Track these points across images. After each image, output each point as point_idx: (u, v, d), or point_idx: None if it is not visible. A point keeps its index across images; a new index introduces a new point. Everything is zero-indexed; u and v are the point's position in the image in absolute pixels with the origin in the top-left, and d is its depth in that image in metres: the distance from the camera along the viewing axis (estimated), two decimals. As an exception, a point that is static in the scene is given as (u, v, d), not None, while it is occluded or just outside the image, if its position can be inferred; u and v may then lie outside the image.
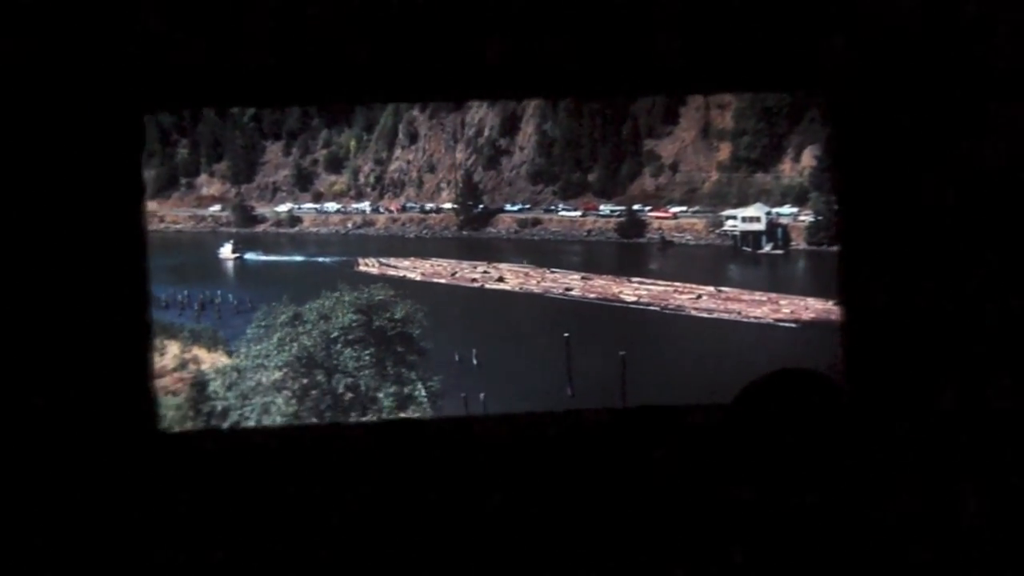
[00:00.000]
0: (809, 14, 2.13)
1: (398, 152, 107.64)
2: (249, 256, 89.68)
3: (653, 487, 2.20)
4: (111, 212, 2.17)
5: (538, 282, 77.08)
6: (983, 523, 2.12)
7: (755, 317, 62.15)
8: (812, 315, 60.55)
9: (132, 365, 2.26)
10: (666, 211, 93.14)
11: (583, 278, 76.35)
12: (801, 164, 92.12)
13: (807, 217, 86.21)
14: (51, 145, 2.07)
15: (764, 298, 65.90)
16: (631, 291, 70.92)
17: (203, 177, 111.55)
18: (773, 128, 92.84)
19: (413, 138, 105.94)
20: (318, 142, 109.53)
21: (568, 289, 73.95)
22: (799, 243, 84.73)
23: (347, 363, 31.76)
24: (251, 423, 29.65)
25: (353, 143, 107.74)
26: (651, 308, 66.36)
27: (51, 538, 2.09)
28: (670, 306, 66.05)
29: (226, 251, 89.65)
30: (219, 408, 31.20)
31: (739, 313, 63.31)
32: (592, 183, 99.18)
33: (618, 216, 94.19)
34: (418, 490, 2.17)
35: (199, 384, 33.83)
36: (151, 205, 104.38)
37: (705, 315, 63.58)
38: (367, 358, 32.06)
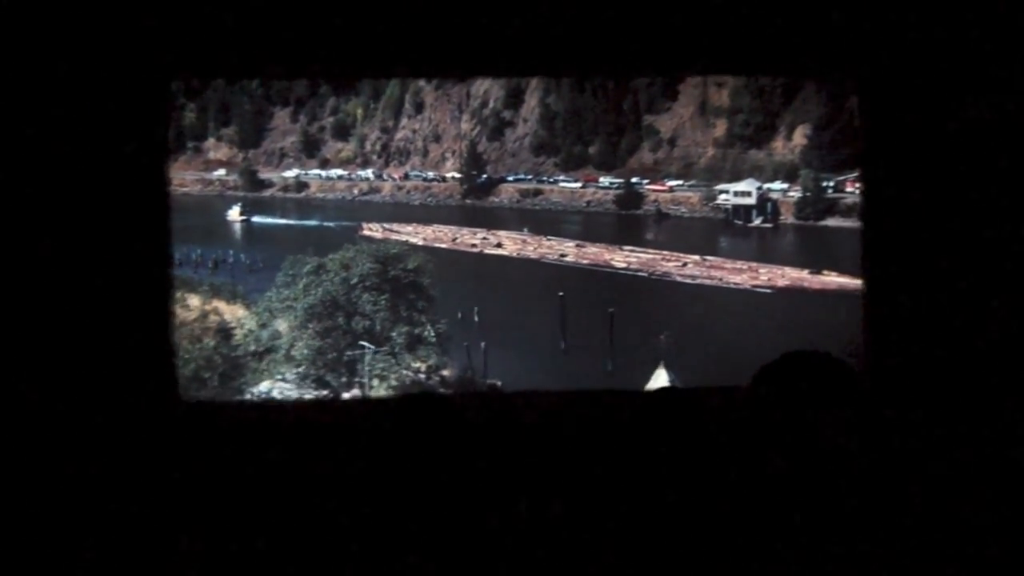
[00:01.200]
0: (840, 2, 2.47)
1: (404, 121, 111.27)
2: (256, 219, 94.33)
3: (670, 472, 2.34)
4: (135, 178, 2.43)
5: (535, 248, 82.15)
6: (991, 514, 2.35)
7: (735, 283, 68.13)
8: (787, 282, 67.35)
9: (153, 336, 2.50)
10: (663, 184, 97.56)
11: (577, 245, 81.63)
12: (793, 142, 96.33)
13: (796, 193, 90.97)
14: (77, 111, 2.31)
15: (744, 266, 71.65)
16: (621, 258, 76.37)
17: (210, 141, 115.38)
18: (767, 107, 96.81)
19: (419, 108, 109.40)
20: (325, 109, 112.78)
21: (563, 255, 79.07)
22: (788, 217, 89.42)
23: (365, 306, 37.29)
24: (280, 357, 34.89)
25: (360, 111, 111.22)
26: (640, 274, 71.89)
27: (72, 507, 2.33)
28: (657, 272, 71.61)
29: (234, 214, 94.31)
30: (252, 348, 35.28)
31: (720, 280, 69.18)
32: (593, 156, 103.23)
33: (616, 188, 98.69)
34: (433, 468, 2.32)
35: (223, 330, 37.97)
36: None
37: (689, 281, 69.29)
38: (383, 302, 37.65)
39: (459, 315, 50.50)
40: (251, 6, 2.39)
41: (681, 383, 28.63)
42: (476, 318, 55.97)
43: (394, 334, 36.32)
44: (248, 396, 31.32)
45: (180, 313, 32.63)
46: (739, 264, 72.74)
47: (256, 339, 35.51)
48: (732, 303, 61.67)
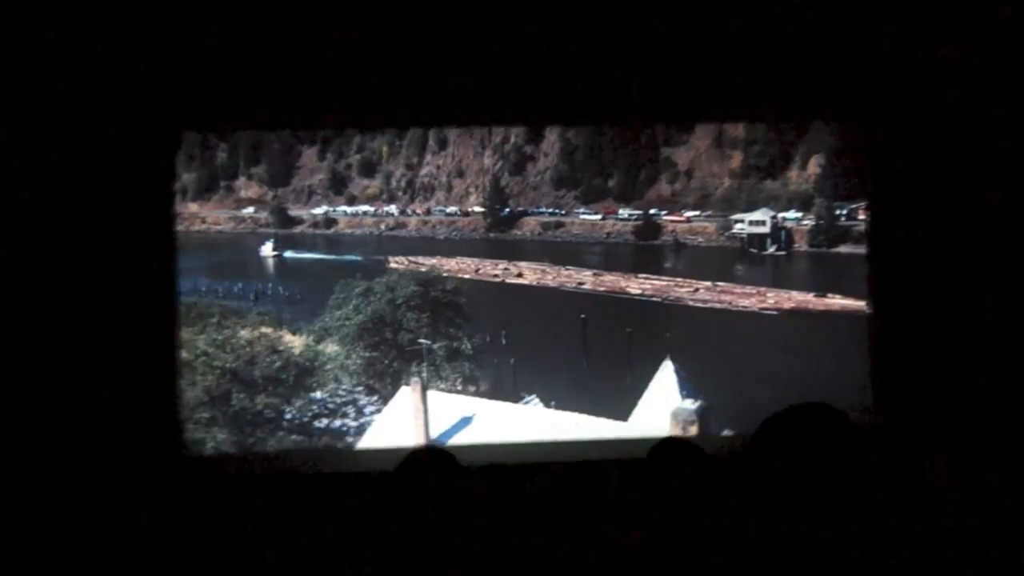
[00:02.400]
0: (837, 47, 3.13)
1: (428, 157, 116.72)
2: (288, 254, 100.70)
3: (676, 519, 2.72)
4: (143, 239, 3.09)
5: (554, 278, 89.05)
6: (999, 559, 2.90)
7: (743, 306, 75.11)
8: (792, 304, 74.54)
9: (161, 392, 3.11)
10: (680, 215, 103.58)
11: (594, 274, 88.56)
12: (807, 172, 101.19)
13: (809, 221, 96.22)
14: (88, 159, 2.90)
15: (753, 291, 78.55)
16: (636, 285, 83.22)
17: (241, 180, 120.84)
18: (782, 137, 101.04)
19: (443, 144, 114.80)
20: (352, 147, 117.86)
21: (581, 284, 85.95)
22: (801, 245, 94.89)
23: (409, 323, 44.22)
24: (337, 367, 41.17)
25: (385, 148, 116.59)
26: (654, 299, 78.45)
27: (69, 552, 2.85)
28: (670, 298, 78.38)
29: (267, 249, 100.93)
30: (305, 361, 40.13)
31: (730, 303, 76.16)
32: (612, 188, 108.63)
33: (635, 220, 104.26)
34: (432, 529, 2.75)
35: (278, 350, 42.95)
36: (192, 207, 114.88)
37: (700, 305, 75.90)
38: (424, 319, 44.63)
39: (487, 338, 54.43)
40: (254, 63, 3.21)
41: (686, 373, 33.62)
42: (504, 341, 61.19)
43: (436, 347, 42.76)
44: (313, 399, 37.25)
45: (234, 338, 38.39)
46: (748, 289, 79.33)
47: (314, 353, 41.62)
48: (739, 324, 68.69)
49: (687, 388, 30.99)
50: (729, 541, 2.51)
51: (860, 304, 59.16)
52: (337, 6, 3.42)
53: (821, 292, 75.57)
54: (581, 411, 31.15)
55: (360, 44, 3.35)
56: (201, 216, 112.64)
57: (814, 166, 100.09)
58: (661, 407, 29.25)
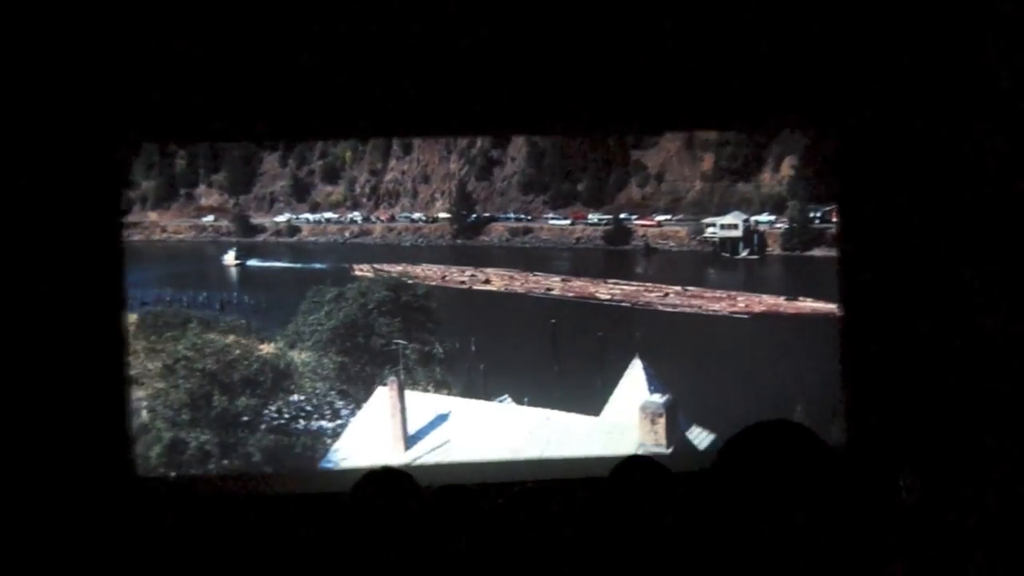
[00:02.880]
0: (808, 52, 3.28)
1: (393, 163, 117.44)
2: (251, 263, 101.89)
3: (639, 539, 2.80)
4: (89, 260, 3.15)
5: (522, 284, 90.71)
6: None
7: (713, 311, 76.96)
8: (763, 308, 76.27)
9: (109, 411, 3.14)
10: (651, 219, 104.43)
11: (563, 280, 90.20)
12: (780, 174, 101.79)
13: (782, 225, 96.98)
14: (32, 178, 2.96)
15: (724, 295, 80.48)
16: (606, 291, 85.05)
17: (202, 188, 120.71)
18: (754, 139, 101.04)
19: (407, 149, 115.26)
20: (314, 153, 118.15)
21: (549, 289, 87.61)
22: (774, 249, 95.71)
23: (381, 328, 45.34)
24: (308, 373, 42.60)
25: (348, 154, 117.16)
26: (623, 304, 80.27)
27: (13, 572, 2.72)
28: (639, 303, 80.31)
29: (229, 258, 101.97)
30: (282, 365, 41.41)
31: (700, 307, 77.87)
32: (581, 193, 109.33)
33: (605, 225, 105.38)
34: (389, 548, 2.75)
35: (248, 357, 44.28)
36: (152, 216, 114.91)
37: (670, 310, 77.83)
38: (396, 324, 45.70)
39: (456, 344, 55.20)
40: (213, 74, 3.26)
41: (654, 371, 34.69)
42: (473, 347, 61.48)
43: (408, 351, 43.89)
44: (290, 401, 38.79)
45: (212, 343, 39.90)
46: (718, 293, 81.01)
47: (288, 357, 43.04)
48: (709, 327, 70.39)
49: (655, 384, 32.51)
50: (692, 561, 2.59)
51: (831, 307, 61.04)
52: (297, 19, 3.71)
53: (792, 296, 76.87)
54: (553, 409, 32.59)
55: (320, 55, 3.62)
56: (161, 225, 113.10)
57: (787, 168, 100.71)
58: (631, 401, 30.82)
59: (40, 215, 3.79)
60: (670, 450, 28.85)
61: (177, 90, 3.92)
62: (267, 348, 44.44)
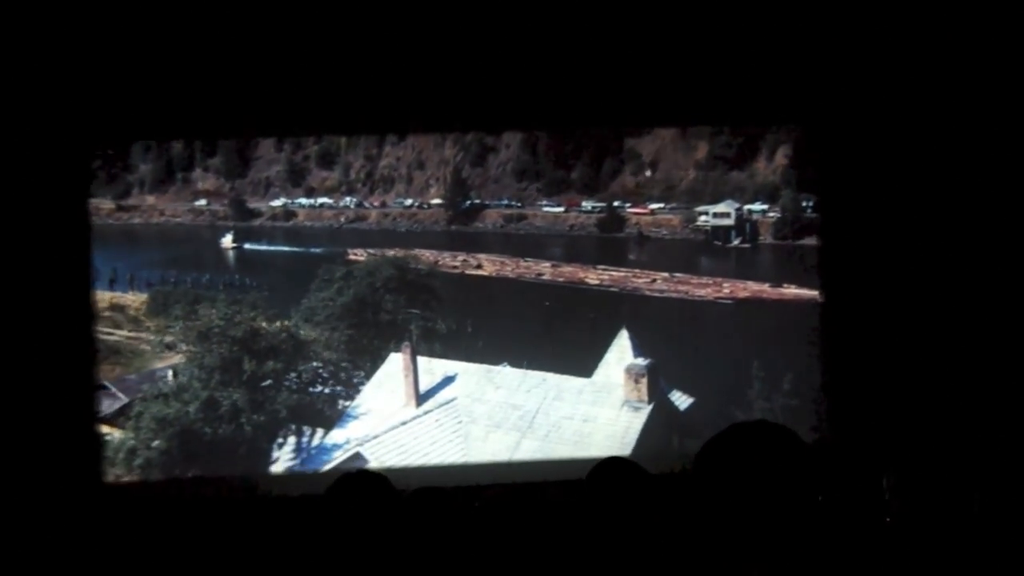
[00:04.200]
0: (791, 50, 6.33)
1: (388, 148, 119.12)
2: (248, 246, 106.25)
3: (620, 544, 3.07)
4: (58, 251, 5.86)
5: (513, 269, 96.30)
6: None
7: (699, 296, 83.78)
8: (747, 294, 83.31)
9: (77, 414, 5.60)
10: (645, 207, 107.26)
11: (553, 265, 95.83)
12: (774, 163, 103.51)
13: (775, 214, 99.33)
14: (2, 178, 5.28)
15: (710, 281, 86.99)
16: (595, 276, 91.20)
17: (197, 171, 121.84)
18: (748, 129, 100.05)
19: (403, 135, 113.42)
20: (309, 138, 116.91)
21: (539, 275, 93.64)
22: (766, 237, 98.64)
23: (387, 304, 51.63)
24: (319, 342, 48.54)
25: (344, 139, 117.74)
26: (612, 289, 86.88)
27: None
28: (628, 288, 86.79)
29: (227, 241, 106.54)
30: (300, 336, 47.72)
31: (686, 293, 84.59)
32: (575, 180, 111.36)
33: (599, 212, 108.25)
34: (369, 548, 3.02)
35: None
36: (149, 199, 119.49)
37: (657, 295, 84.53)
38: (402, 301, 52.11)
39: (453, 326, 58.94)
40: (198, 70, 5.18)
41: (638, 340, 40.51)
42: (469, 329, 63.40)
43: (412, 327, 50.02)
44: (308, 368, 44.96)
45: (240, 313, 46.15)
46: (704, 279, 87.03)
47: (303, 329, 48.97)
48: (693, 311, 78.32)
49: (639, 351, 38.81)
50: (671, 562, 2.92)
51: (813, 293, 67.96)
52: (292, 16, 4.35)
53: (776, 283, 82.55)
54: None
55: (313, 53, 4.37)
56: (159, 208, 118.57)
57: (781, 157, 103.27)
58: (618, 365, 37.25)
59: (14, 206, 4.08)
60: (651, 405, 35.31)
61: (168, 87, 4.27)
62: (284, 322, 50.58)
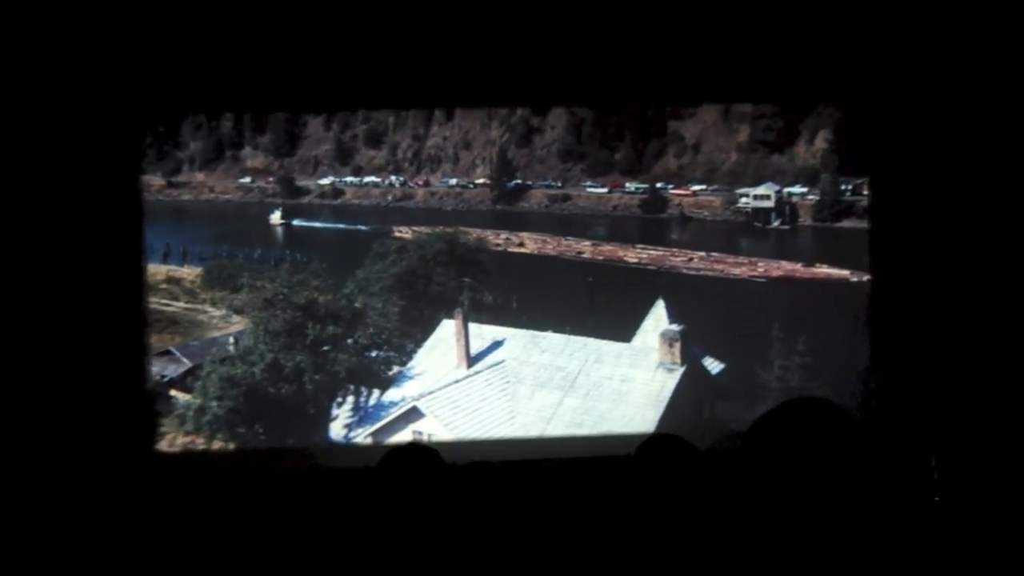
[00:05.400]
0: (833, 30, 3.86)
1: (435, 128, 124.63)
2: (296, 223, 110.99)
3: (666, 518, 2.83)
4: (110, 232, 3.70)
5: (554, 247, 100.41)
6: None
7: (734, 275, 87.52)
8: (780, 273, 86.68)
9: (129, 387, 3.56)
10: (687, 189, 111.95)
11: (592, 244, 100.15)
12: (815, 147, 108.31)
13: (814, 196, 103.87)
14: (54, 156, 3.44)
15: (745, 260, 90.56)
16: (634, 255, 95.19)
17: (247, 150, 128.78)
18: (789, 112, 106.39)
19: (450, 115, 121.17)
20: (358, 117, 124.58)
21: (580, 253, 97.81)
22: (806, 219, 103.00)
23: (438, 277, 55.25)
24: (374, 311, 52.18)
25: (392, 119, 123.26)
26: (649, 267, 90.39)
27: (41, 555, 3.12)
28: (665, 266, 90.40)
29: (275, 218, 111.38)
30: (357, 304, 51.15)
31: (722, 271, 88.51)
32: (619, 162, 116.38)
33: (641, 193, 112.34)
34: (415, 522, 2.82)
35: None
36: (199, 176, 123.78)
37: (694, 273, 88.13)
38: (451, 273, 55.70)
39: (499, 301, 61.43)
40: (247, 43, 3.59)
41: (675, 313, 42.81)
42: (514, 304, 66.83)
43: (461, 297, 53.59)
44: (365, 333, 48.78)
45: (300, 284, 49.89)
46: (740, 259, 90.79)
47: (359, 298, 52.84)
48: (727, 288, 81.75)
49: (673, 318, 42.39)
50: (721, 539, 2.64)
51: (844, 273, 72.58)
52: None
53: (809, 262, 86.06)
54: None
55: (361, 25, 4.08)
56: (209, 185, 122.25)
57: (821, 141, 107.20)
58: (654, 331, 40.86)
59: (62, 181, 4.20)
60: (683, 367, 39.02)
61: (214, 60, 4.37)
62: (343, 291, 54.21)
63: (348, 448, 32.34)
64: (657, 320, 42.42)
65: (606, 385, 39.27)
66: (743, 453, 2.47)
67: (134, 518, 4.16)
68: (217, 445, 41.59)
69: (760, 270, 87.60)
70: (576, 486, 4.02)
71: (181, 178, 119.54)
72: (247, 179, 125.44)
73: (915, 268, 4.65)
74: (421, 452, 3.48)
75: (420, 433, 37.26)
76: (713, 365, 43.62)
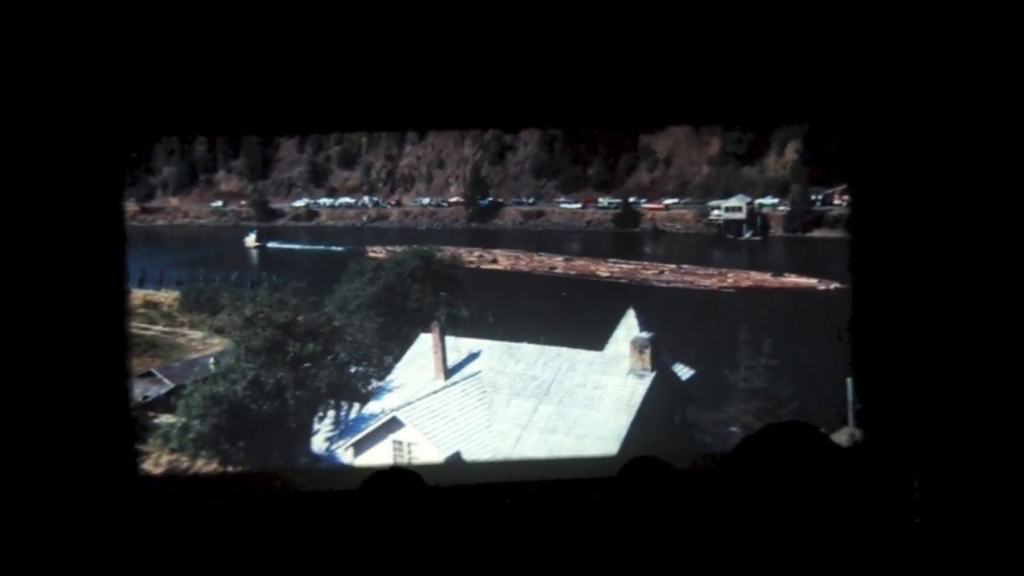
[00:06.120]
0: (812, 51, 3.88)
1: (408, 148, 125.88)
2: (271, 245, 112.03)
3: (650, 542, 2.84)
4: (92, 254, 3.79)
5: (527, 263, 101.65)
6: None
7: (704, 286, 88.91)
8: (750, 283, 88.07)
9: (111, 408, 3.64)
10: (659, 203, 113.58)
11: (565, 259, 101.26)
12: (784, 158, 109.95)
13: (785, 207, 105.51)
14: (35, 182, 3.50)
15: (715, 272, 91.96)
16: (606, 269, 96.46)
17: (221, 173, 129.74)
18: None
19: (422, 134, 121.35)
20: (331, 139, 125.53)
21: (553, 268, 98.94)
22: (777, 230, 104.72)
23: (414, 293, 56.49)
24: (353, 327, 53.63)
25: (364, 139, 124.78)
26: (621, 281, 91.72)
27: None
28: (637, 279, 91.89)
29: (250, 240, 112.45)
30: (335, 322, 52.42)
31: (692, 283, 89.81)
32: (591, 177, 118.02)
33: (615, 208, 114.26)
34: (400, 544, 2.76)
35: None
36: (173, 201, 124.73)
37: (664, 285, 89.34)
38: (427, 289, 56.92)
39: (476, 314, 62.79)
40: (218, 67, 3.63)
41: (645, 322, 44.47)
42: (490, 319, 66.13)
43: (438, 313, 54.39)
44: (339, 354, 50.23)
45: (279, 303, 51.25)
46: (710, 270, 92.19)
47: (337, 317, 54.29)
48: (696, 299, 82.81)
49: (643, 326, 44.01)
50: (702, 563, 2.66)
51: (812, 281, 74.55)
52: (311, 14, 4.17)
53: (778, 272, 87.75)
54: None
55: (332, 51, 4.10)
56: (183, 210, 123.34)
57: (791, 152, 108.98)
58: (625, 339, 42.39)
59: (46, 206, 4.18)
60: (653, 373, 40.62)
61: (190, 84, 4.33)
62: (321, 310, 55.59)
63: (329, 471, 33.15)
64: (628, 329, 43.98)
65: (579, 392, 40.79)
66: (724, 477, 2.54)
67: (116, 541, 4.21)
68: (201, 462, 43.02)
69: (730, 281, 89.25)
70: (559, 509, 4.07)
71: (155, 203, 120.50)
72: (219, 203, 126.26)
73: (894, 276, 4.73)
74: (403, 476, 3.50)
75: (400, 443, 38.77)
76: (684, 371, 45.19)
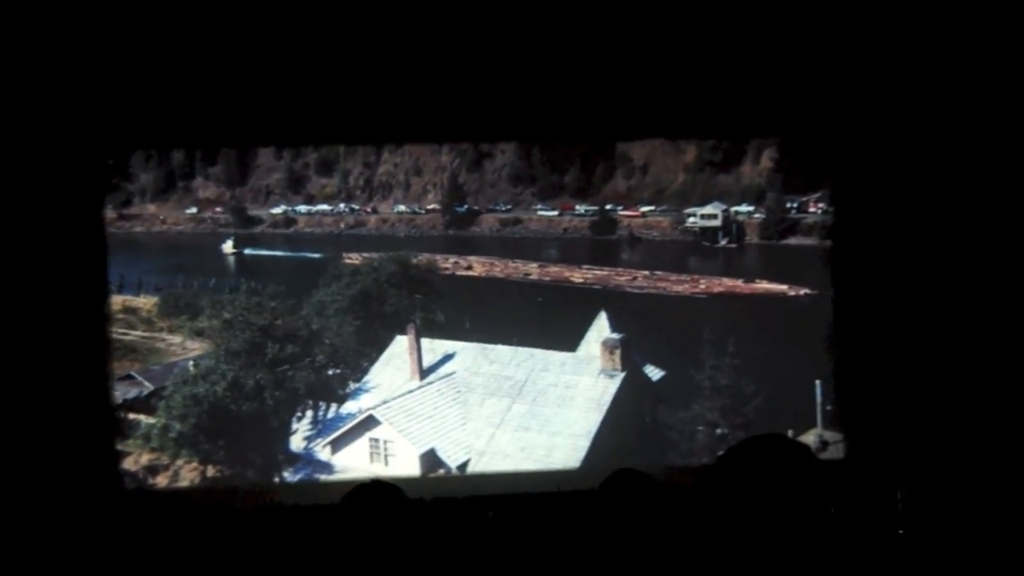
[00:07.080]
0: (796, 64, 4.09)
1: (386, 155, 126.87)
2: (248, 251, 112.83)
3: (632, 555, 2.86)
4: (73, 267, 3.96)
5: (501, 270, 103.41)
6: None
7: (676, 292, 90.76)
8: (721, 289, 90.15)
9: (96, 427, 3.83)
10: (636, 210, 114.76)
11: (539, 266, 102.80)
12: (760, 166, 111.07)
13: (760, 215, 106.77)
14: (16, 188, 3.70)
15: (687, 278, 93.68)
16: (580, 275, 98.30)
17: (199, 180, 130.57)
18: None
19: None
20: (309, 146, 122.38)
21: (527, 275, 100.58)
22: (752, 237, 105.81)
23: (391, 298, 57.83)
24: (331, 331, 55.08)
25: (342, 147, 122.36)
26: (595, 287, 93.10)
27: None
28: (610, 285, 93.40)
29: (227, 247, 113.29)
30: (313, 326, 54.00)
31: (665, 289, 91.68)
32: (568, 184, 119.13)
33: (592, 215, 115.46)
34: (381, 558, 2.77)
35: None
36: (151, 208, 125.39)
37: (637, 291, 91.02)
38: (404, 294, 58.37)
39: (452, 319, 64.28)
40: (199, 79, 3.77)
41: (616, 324, 46.25)
42: (467, 325, 67.78)
43: (414, 317, 55.37)
44: (317, 356, 51.69)
45: (258, 306, 52.55)
46: (682, 277, 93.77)
47: (315, 321, 55.64)
48: (668, 304, 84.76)
49: (614, 327, 45.70)
50: (682, 573, 2.71)
51: (783, 287, 76.24)
52: (291, 26, 4.19)
53: (749, 278, 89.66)
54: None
55: (312, 63, 4.12)
56: (161, 217, 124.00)
57: (767, 160, 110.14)
58: (597, 341, 44.12)
59: (26, 212, 4.21)
60: (624, 373, 42.26)
61: (169, 96, 4.32)
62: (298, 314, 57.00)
63: (310, 486, 33.97)
64: (600, 331, 45.58)
65: (551, 391, 42.22)
66: (705, 490, 2.58)
67: (98, 549, 4.25)
68: (181, 462, 44.42)
69: (702, 287, 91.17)
70: (542, 523, 4.11)
71: (132, 210, 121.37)
72: (193, 209, 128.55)
73: (874, 283, 4.78)
74: (384, 489, 3.52)
75: (377, 440, 40.25)
76: (654, 372, 46.80)
